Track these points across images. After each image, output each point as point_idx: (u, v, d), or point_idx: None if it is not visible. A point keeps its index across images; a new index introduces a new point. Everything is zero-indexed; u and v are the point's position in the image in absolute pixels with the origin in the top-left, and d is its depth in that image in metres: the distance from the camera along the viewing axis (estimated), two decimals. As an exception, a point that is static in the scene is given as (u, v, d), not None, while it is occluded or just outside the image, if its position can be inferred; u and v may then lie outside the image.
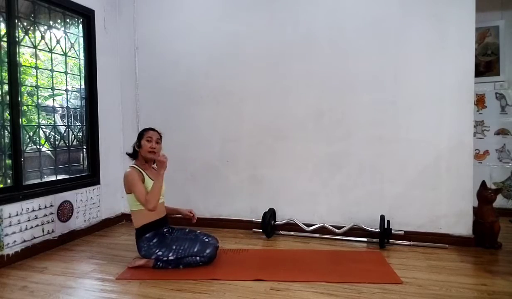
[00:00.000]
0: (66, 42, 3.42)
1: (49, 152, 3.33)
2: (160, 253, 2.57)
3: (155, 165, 2.81)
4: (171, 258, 2.56)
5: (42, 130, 3.25)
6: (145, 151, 2.66)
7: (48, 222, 3.10)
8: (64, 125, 3.47)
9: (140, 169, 2.66)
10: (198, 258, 2.57)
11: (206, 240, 2.72)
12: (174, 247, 2.57)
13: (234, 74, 3.60)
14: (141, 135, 2.72)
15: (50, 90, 3.33)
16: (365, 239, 3.19)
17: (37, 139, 3.18)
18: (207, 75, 3.68)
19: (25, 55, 3.10)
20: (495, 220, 2.96)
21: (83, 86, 3.61)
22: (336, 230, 3.23)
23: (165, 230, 2.72)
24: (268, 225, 3.30)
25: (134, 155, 2.76)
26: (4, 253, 2.73)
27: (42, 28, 3.21)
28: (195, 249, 2.57)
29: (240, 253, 2.94)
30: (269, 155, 3.54)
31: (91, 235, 3.50)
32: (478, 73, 3.91)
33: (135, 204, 2.62)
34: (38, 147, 3.18)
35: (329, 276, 2.45)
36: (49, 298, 2.22)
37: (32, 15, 3.11)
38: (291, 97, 3.44)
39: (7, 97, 2.84)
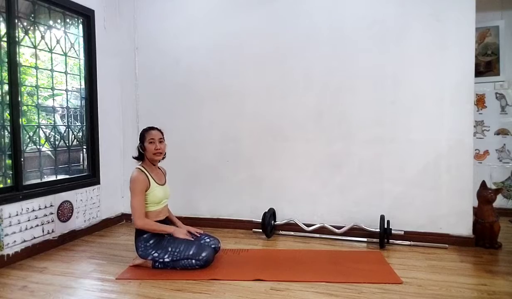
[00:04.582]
0: (66, 42, 3.42)
1: (49, 152, 3.33)
2: (156, 254, 2.56)
3: (162, 168, 2.86)
4: (166, 260, 2.55)
5: (42, 130, 3.25)
6: (151, 154, 2.65)
7: (48, 222, 3.10)
8: (64, 125, 3.47)
9: (147, 173, 2.64)
10: (194, 261, 2.53)
11: (206, 241, 2.71)
12: (169, 249, 2.55)
13: (234, 74, 3.60)
14: (142, 137, 2.69)
15: (50, 90, 3.33)
16: (365, 239, 3.19)
17: (37, 139, 3.18)
18: (207, 75, 3.68)
19: (25, 55, 3.10)
20: (495, 220, 2.96)
21: (83, 86, 3.61)
22: (336, 230, 3.23)
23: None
24: (268, 225, 3.30)
25: (140, 157, 2.73)
26: (4, 253, 2.73)
27: (42, 28, 3.21)
28: (191, 252, 2.53)
29: (240, 253, 2.94)
30: (269, 155, 3.54)
31: (91, 235, 3.50)
32: (478, 73, 3.91)
33: None
34: (38, 147, 3.18)
35: (329, 276, 2.45)
36: (49, 298, 2.22)
37: (32, 15, 3.11)
38: (291, 97, 3.44)
39: (7, 97, 2.84)
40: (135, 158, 2.75)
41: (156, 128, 2.73)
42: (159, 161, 2.78)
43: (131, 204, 2.56)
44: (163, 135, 2.74)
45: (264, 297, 2.19)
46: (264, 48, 3.49)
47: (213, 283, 2.38)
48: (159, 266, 2.58)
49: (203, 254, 2.54)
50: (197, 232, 2.74)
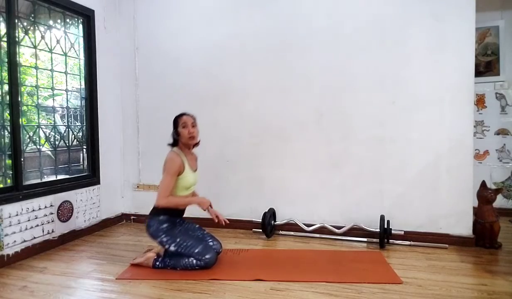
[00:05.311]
0: (66, 42, 3.42)
1: (49, 152, 3.33)
2: (165, 239, 2.58)
3: (194, 153, 2.87)
4: (172, 249, 2.56)
5: (42, 130, 3.25)
6: (186, 138, 2.67)
7: (48, 222, 3.10)
8: (64, 125, 3.47)
9: (183, 157, 2.66)
10: (195, 261, 2.54)
11: (211, 243, 2.73)
12: (178, 240, 2.58)
13: (234, 74, 3.60)
14: (176, 122, 2.71)
15: (50, 90, 3.33)
16: (365, 239, 3.19)
17: (37, 139, 3.18)
18: (207, 75, 3.68)
19: (25, 55, 3.10)
20: (495, 220, 2.96)
21: (83, 86, 3.61)
22: (336, 230, 3.23)
23: (177, 220, 2.74)
24: (268, 225, 3.30)
25: (174, 143, 2.75)
26: (4, 253, 2.73)
27: (42, 28, 3.21)
28: (196, 250, 2.55)
29: (240, 253, 2.94)
30: (269, 155, 3.54)
31: (91, 235, 3.50)
32: (478, 73, 3.91)
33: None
34: (38, 147, 3.18)
35: (329, 276, 2.45)
36: (49, 298, 2.22)
37: (32, 15, 3.11)
38: (291, 97, 3.44)
39: (7, 97, 2.84)
40: (170, 145, 2.76)
41: (188, 114, 2.76)
42: (193, 146, 2.79)
43: (162, 182, 2.58)
44: (195, 120, 2.75)
45: (264, 297, 2.19)
46: (264, 48, 3.49)
47: (213, 283, 2.38)
48: (159, 265, 2.59)
49: (207, 256, 2.56)
50: (224, 220, 2.71)
